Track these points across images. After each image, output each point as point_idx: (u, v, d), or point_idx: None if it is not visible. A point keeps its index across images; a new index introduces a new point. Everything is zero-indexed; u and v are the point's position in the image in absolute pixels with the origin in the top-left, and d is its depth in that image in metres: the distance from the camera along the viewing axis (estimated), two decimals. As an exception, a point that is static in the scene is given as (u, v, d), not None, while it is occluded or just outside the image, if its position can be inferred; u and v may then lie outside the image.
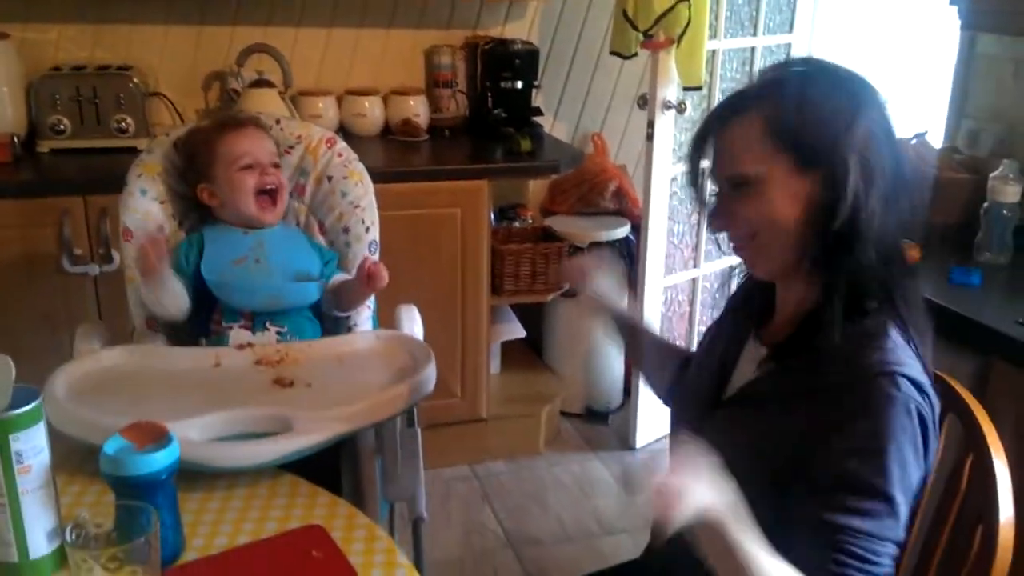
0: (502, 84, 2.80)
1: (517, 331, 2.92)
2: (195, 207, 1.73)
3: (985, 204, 1.96)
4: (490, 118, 2.81)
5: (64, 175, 2.34)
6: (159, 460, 1.00)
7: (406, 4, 2.85)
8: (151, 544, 0.87)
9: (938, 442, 1.01)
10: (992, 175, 1.98)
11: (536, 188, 3.16)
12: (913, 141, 2.29)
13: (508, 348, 3.01)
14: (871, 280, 1.02)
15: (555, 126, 3.13)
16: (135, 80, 2.47)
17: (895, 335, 1.00)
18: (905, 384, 0.96)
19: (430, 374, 1.41)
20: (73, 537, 0.88)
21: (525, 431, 2.85)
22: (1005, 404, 1.50)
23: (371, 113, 2.79)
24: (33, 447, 0.97)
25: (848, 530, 0.94)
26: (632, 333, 1.41)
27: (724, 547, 0.89)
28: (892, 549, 0.96)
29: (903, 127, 1.07)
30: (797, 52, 2.88)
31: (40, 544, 0.99)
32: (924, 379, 0.99)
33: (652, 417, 2.87)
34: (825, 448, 0.97)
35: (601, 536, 2.48)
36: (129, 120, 2.44)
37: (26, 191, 2.24)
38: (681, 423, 1.25)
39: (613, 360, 3.06)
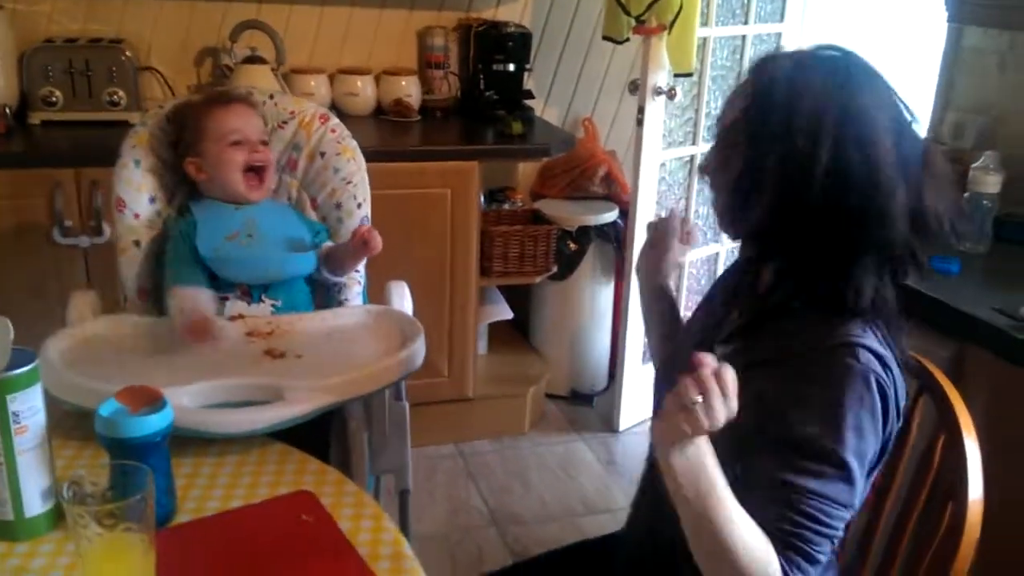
0: (494, 66, 2.81)
1: (505, 312, 2.95)
2: (184, 181, 1.74)
3: (966, 194, 2.00)
4: (482, 100, 2.82)
5: (56, 147, 2.34)
6: (154, 423, 1.02)
7: (399, -16, 2.86)
8: (146, 502, 0.88)
9: (900, 417, 1.04)
10: (974, 165, 2.01)
11: (526, 171, 3.17)
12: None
13: (495, 329, 3.04)
14: (818, 273, 1.04)
15: (546, 110, 3.14)
16: (127, 53, 2.47)
17: None
18: (865, 355, 0.99)
19: (419, 348, 1.43)
20: (70, 494, 0.90)
21: (510, 411, 2.88)
22: (979, 388, 1.54)
23: (363, 92, 2.80)
24: (30, 408, 0.99)
25: (803, 490, 0.97)
26: (668, 304, 1.45)
27: (698, 487, 0.92)
28: (845, 514, 0.99)
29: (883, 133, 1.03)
30: (787, 42, 2.91)
31: (35, 503, 1.02)
32: (886, 352, 1.01)
33: (636, 400, 2.91)
34: (785, 414, 1.00)
35: (584, 516, 2.52)
36: (121, 93, 2.45)
37: (18, 162, 2.25)
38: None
39: (599, 343, 3.09)
